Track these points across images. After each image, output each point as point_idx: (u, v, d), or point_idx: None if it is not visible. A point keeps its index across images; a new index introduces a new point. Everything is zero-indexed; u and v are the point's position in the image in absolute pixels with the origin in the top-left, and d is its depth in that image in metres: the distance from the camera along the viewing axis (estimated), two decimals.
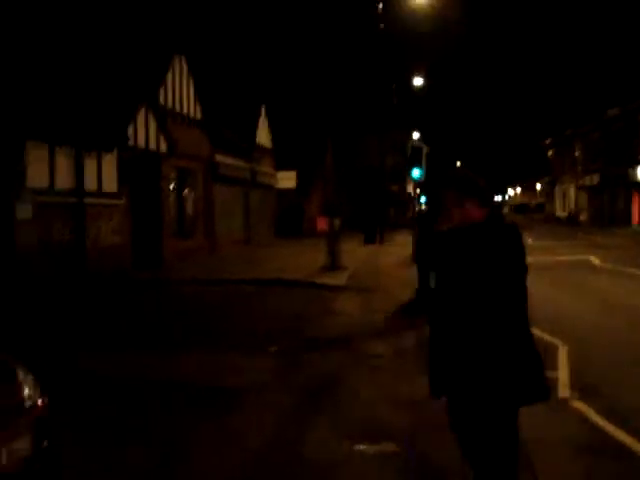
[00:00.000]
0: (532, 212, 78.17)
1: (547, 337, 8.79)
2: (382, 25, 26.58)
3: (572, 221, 48.96)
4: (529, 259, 3.47)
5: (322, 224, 33.34)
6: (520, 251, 3.36)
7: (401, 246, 27.03)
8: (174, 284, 15.06)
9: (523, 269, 3.36)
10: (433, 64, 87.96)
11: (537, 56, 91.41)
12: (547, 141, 65.14)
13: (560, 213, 60.93)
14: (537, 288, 13.10)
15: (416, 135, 61.40)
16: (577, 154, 55.40)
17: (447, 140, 78.66)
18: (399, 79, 42.20)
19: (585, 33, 52.94)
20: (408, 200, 73.77)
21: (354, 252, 21.55)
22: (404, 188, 70.72)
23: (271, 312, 11.45)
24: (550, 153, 65.80)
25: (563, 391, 6.56)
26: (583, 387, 6.68)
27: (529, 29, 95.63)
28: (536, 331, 8.84)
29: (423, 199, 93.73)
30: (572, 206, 55.06)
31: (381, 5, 26.26)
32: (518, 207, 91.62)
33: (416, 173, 23.53)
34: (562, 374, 7.15)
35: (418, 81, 44.97)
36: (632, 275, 15.69)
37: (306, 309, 11.69)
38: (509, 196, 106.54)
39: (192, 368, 7.54)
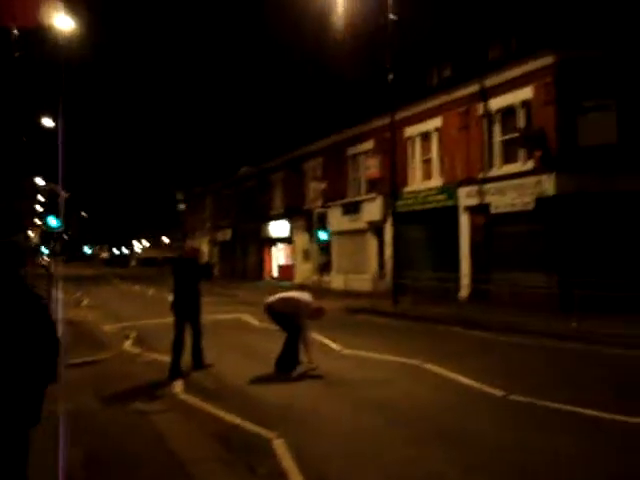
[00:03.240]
0: (162, 266, 77.42)
1: (258, 429, 7.11)
2: (17, 54, 22.95)
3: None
4: None
5: None
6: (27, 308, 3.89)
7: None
8: None
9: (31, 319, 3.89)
10: (69, 105, 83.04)
11: (175, 113, 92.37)
12: (179, 195, 65.30)
13: None
14: (226, 358, 11.53)
15: (40, 181, 56.64)
16: (209, 209, 56.25)
17: (77, 186, 74.20)
18: (30, 117, 37.94)
19: (221, 96, 54.55)
20: (33, 250, 67.56)
21: None
22: (27, 237, 64.59)
23: None
24: (182, 207, 66.01)
25: None
26: None
27: (170, 84, 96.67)
28: (249, 424, 7.26)
29: (45, 250, 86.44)
30: (205, 260, 55.42)
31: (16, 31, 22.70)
32: (147, 260, 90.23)
33: (53, 222, 20.39)
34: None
35: (48, 122, 41.26)
36: None
37: None
38: (141, 249, 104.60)
39: None
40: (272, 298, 10.72)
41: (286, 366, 10.39)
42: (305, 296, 10.81)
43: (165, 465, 5.80)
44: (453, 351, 12.86)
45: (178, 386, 9.38)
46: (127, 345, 13.58)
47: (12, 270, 3.97)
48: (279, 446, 6.49)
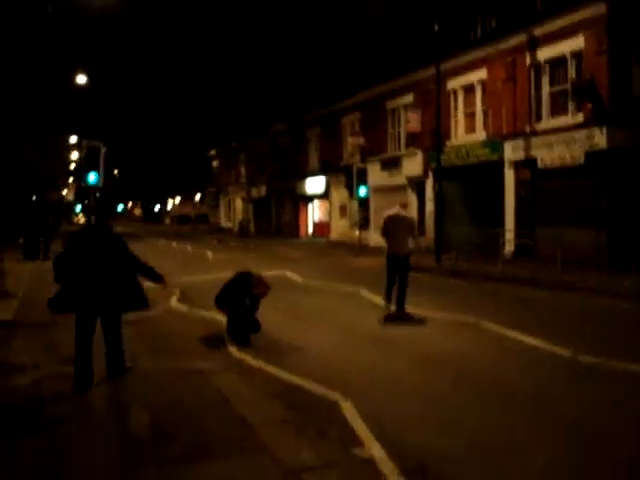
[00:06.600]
0: (196, 223, 77.63)
1: (322, 390, 6.87)
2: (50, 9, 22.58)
3: (243, 232, 49.09)
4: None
5: None
6: (114, 241, 7.06)
7: None
8: None
9: (118, 248, 7.01)
10: (97, 63, 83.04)
11: (205, 69, 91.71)
12: (213, 152, 65.03)
13: (226, 224, 61.08)
14: (268, 316, 11.27)
15: (74, 139, 56.70)
16: (243, 165, 55.94)
17: (109, 142, 74.48)
18: (61, 75, 37.57)
19: (249, 50, 53.71)
20: (67, 208, 68.14)
21: (14, 272, 17.52)
22: (62, 196, 64.98)
23: None
24: (215, 164, 65.81)
25: None
26: (414, 468, 4.86)
27: (199, 41, 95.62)
28: (311, 384, 7.03)
29: (79, 208, 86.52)
30: (239, 217, 55.36)
31: None
32: (180, 218, 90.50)
33: (92, 178, 20.27)
34: (376, 451, 5.21)
35: (81, 79, 41.07)
36: (344, 293, 14.80)
37: None
38: (174, 206, 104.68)
39: None
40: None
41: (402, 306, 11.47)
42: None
43: (234, 429, 5.60)
44: (508, 310, 12.52)
45: (232, 344, 9.19)
46: (173, 302, 13.44)
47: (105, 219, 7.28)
48: (347, 409, 6.24)
